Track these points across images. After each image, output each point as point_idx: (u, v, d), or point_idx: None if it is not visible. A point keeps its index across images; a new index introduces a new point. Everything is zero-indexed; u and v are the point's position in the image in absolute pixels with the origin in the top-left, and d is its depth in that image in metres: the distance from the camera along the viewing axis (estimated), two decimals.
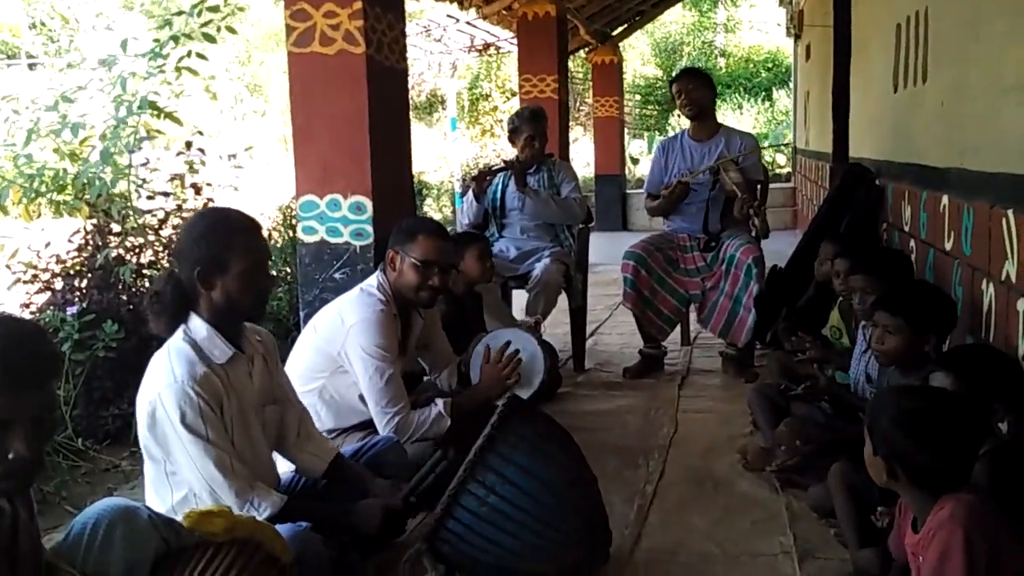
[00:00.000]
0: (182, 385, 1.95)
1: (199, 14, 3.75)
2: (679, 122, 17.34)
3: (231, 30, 3.79)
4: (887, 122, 4.33)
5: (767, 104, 18.37)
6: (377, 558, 2.33)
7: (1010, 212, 2.25)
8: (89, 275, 4.03)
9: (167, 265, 4.21)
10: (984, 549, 1.62)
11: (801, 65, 11.12)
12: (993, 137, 2.48)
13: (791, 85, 13.44)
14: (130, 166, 4.13)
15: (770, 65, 20.49)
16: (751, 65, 20.77)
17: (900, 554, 1.90)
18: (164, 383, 1.97)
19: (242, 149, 5.18)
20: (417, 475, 2.33)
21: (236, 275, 2.02)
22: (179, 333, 2.04)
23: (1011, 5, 2.39)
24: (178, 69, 3.76)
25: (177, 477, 2.03)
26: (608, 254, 7.14)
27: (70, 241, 4.10)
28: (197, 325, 2.05)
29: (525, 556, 2.08)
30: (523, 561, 2.10)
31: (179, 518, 1.73)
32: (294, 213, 5.41)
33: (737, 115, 16.93)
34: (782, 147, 13.12)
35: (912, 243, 3.50)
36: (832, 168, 5.99)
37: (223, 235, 2.04)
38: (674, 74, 4.48)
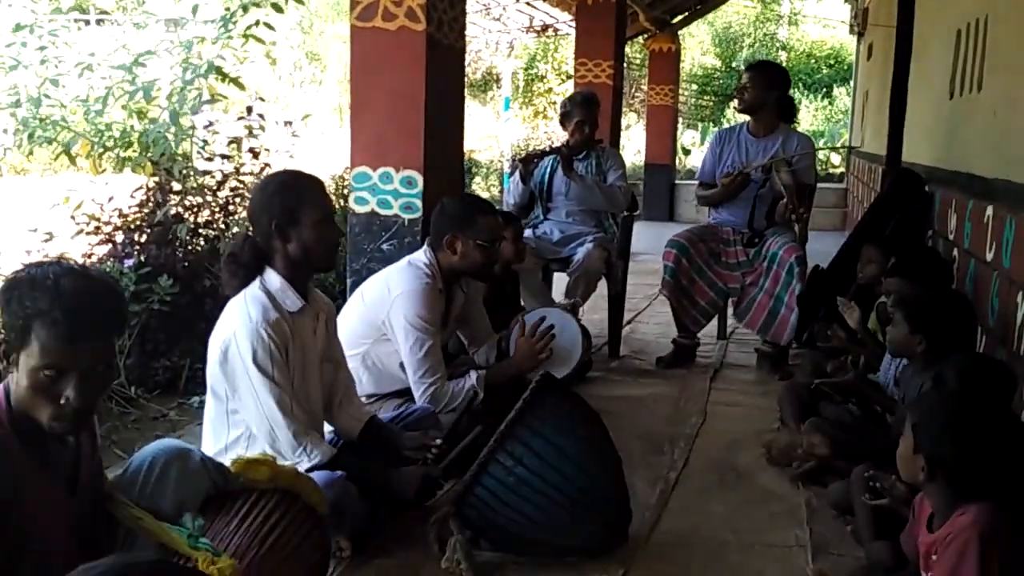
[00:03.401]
0: (256, 326, 2.12)
1: None
2: (735, 115, 17.18)
3: (300, 2, 3.90)
4: (941, 128, 4.29)
5: (826, 101, 18.07)
6: (407, 515, 2.44)
7: None
8: (148, 230, 4.20)
9: (222, 226, 4.38)
10: (998, 558, 1.67)
11: (863, 64, 10.93)
12: None
13: (852, 84, 13.21)
14: (193, 127, 4.28)
15: (832, 62, 20.11)
16: (813, 60, 20.41)
17: (912, 550, 1.96)
18: (240, 323, 2.14)
19: (299, 116, 5.31)
20: (457, 447, 2.44)
21: (309, 226, 2.20)
22: (255, 283, 2.22)
23: None
24: (245, 36, 3.88)
25: (237, 416, 2.19)
26: (653, 244, 7.16)
27: (132, 197, 4.27)
28: (272, 277, 2.23)
29: (547, 527, 2.18)
30: (545, 532, 2.19)
31: (232, 456, 1.87)
32: (346, 183, 5.54)
33: None
34: (839, 148, 12.91)
35: (955, 252, 3.49)
36: (884, 171, 5.94)
37: (295, 190, 2.23)
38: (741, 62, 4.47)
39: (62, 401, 1.44)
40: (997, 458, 1.76)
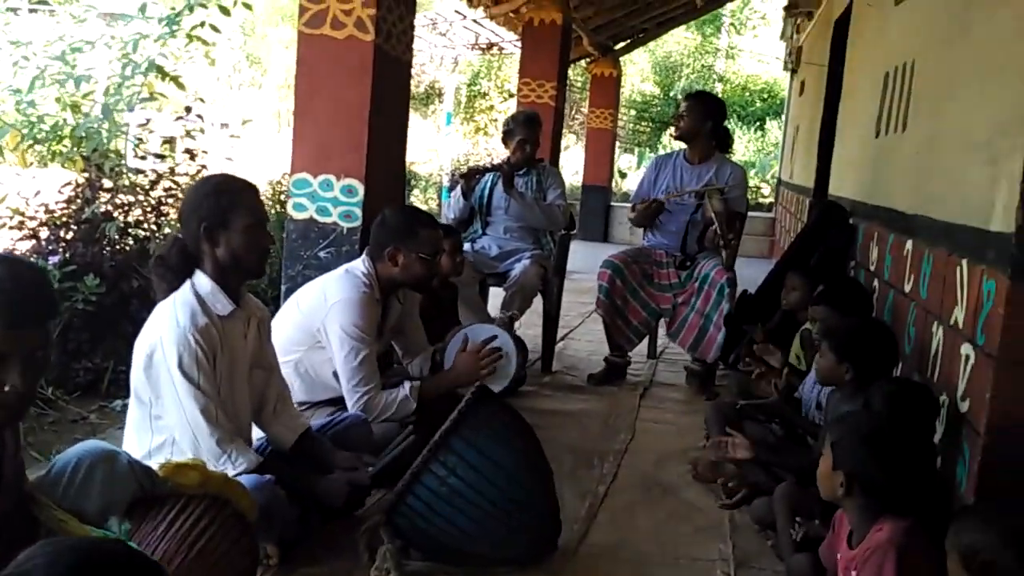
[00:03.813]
0: (184, 331, 2.07)
1: None
2: (671, 141, 17.60)
3: (247, 6, 3.87)
4: (866, 165, 4.48)
5: (759, 134, 18.67)
6: (336, 524, 2.43)
7: (964, 261, 2.39)
8: (75, 228, 4.08)
9: (154, 227, 4.29)
10: (914, 573, 1.76)
11: (795, 99, 11.33)
12: (957, 190, 2.63)
13: (783, 118, 13.68)
14: (127, 125, 4.20)
15: (765, 96, 20.83)
16: (747, 94, 21.10)
17: (830, 563, 2.04)
18: (167, 327, 2.09)
19: (237, 120, 5.25)
20: (386, 455, 2.43)
21: (239, 231, 2.16)
22: (186, 286, 2.17)
23: (983, 69, 2.54)
24: (189, 37, 3.83)
25: (161, 422, 2.13)
26: (587, 264, 7.28)
27: (60, 192, 4.15)
28: (202, 281, 2.18)
29: (478, 538, 2.19)
30: (475, 543, 2.20)
31: (155, 462, 1.83)
32: (283, 189, 5.49)
33: None
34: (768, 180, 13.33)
35: (876, 283, 3.65)
36: (811, 203, 6.17)
37: (227, 194, 2.18)
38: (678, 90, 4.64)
39: (7, 388, 1.42)
40: (911, 472, 1.86)
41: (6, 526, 1.53)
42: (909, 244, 3.10)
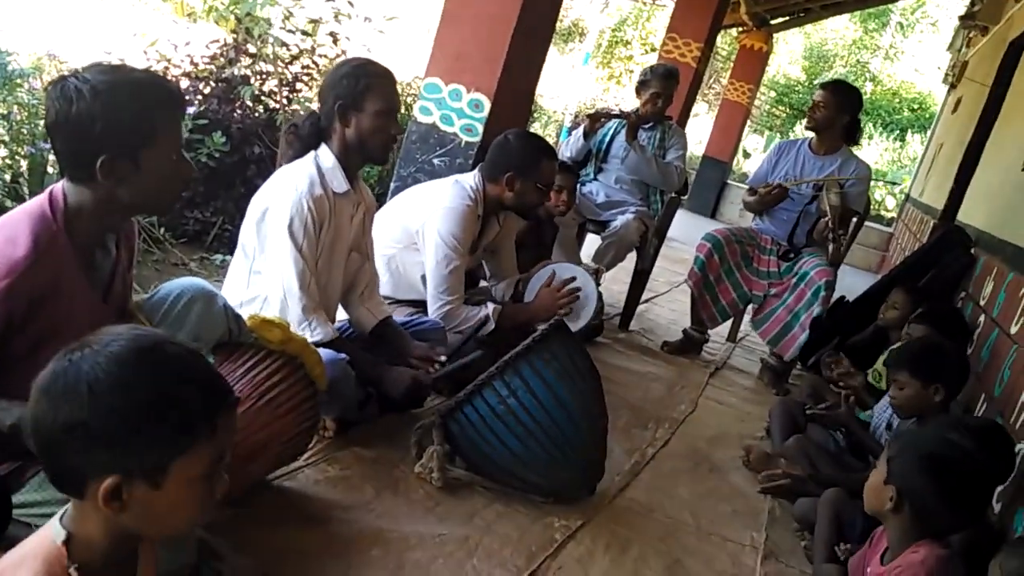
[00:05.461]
0: (300, 196, 2.22)
1: None
2: (803, 132, 16.95)
3: None
4: (1004, 197, 4.25)
5: (898, 144, 17.79)
6: (395, 416, 2.53)
7: None
8: (214, 84, 4.25)
9: (285, 100, 4.42)
10: None
11: (946, 115, 10.73)
12: None
13: (928, 132, 12.99)
14: None
15: (915, 107, 19.76)
16: (897, 100, 20.05)
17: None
18: (286, 189, 2.24)
19: (381, 15, 5.30)
20: (454, 364, 2.51)
21: (371, 114, 2.27)
22: (310, 156, 2.31)
23: None
24: None
25: (258, 277, 2.29)
26: (688, 234, 7.19)
27: (207, 47, 4.33)
28: (326, 155, 2.31)
29: (523, 462, 2.25)
30: (519, 466, 2.26)
31: (245, 312, 1.95)
32: (411, 91, 5.56)
33: (864, 143, 16.46)
34: (893, 185, 12.76)
35: (982, 318, 3.50)
36: (936, 225, 5.91)
37: (365, 77, 2.28)
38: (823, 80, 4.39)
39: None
40: (966, 503, 1.82)
41: None
42: None
